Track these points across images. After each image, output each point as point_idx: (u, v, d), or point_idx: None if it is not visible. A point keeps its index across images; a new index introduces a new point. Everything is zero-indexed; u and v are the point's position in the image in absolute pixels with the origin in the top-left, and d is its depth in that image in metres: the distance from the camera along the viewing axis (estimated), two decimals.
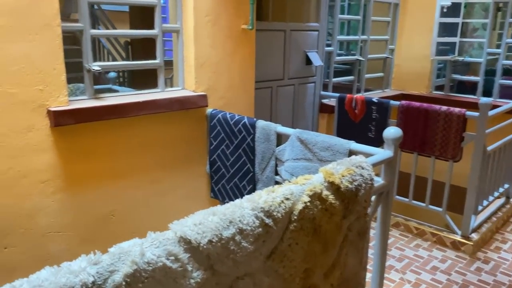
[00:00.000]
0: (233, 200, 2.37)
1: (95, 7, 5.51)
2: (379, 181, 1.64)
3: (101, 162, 2.05)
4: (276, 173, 2.16)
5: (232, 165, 2.33)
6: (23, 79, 1.73)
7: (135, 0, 2.19)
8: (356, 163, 1.43)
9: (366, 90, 3.97)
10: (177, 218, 2.49)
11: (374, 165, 1.52)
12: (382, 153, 1.67)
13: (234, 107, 2.55)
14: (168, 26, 2.31)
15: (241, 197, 2.30)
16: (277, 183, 2.17)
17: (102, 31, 5.43)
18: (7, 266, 1.81)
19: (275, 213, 1.13)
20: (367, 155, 1.61)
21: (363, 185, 1.41)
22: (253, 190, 2.26)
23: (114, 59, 5.49)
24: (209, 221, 1.00)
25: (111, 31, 5.46)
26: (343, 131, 3.17)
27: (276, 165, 2.15)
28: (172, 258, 0.90)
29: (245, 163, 2.27)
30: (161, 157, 2.29)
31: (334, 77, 3.59)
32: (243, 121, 2.23)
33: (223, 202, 2.47)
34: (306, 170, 1.95)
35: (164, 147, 2.30)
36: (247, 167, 2.26)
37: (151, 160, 2.25)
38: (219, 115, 2.34)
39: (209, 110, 2.42)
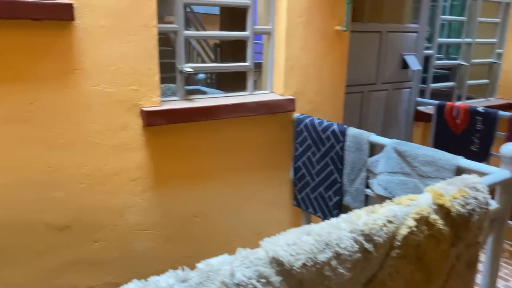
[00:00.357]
0: (316, 211, 2.26)
1: (187, 9, 5.70)
2: (492, 205, 1.42)
3: (188, 163, 2.05)
4: (367, 186, 2.00)
5: (318, 173, 2.21)
6: (120, 78, 1.77)
7: (229, 1, 2.17)
8: (470, 184, 1.24)
9: (468, 98, 3.60)
10: (260, 225, 2.41)
11: (489, 186, 1.32)
12: (499, 172, 1.45)
13: (322, 112, 2.43)
14: (260, 27, 2.25)
15: (327, 208, 2.19)
16: (367, 197, 2.01)
17: (195, 33, 5.57)
18: (96, 260, 1.87)
19: (375, 238, 0.99)
20: (479, 173, 1.41)
21: (477, 210, 1.22)
22: (339, 201, 2.12)
23: (203, 61, 5.64)
24: (303, 241, 0.90)
25: (204, 33, 5.58)
26: (441, 143, 2.89)
27: (367, 177, 1.99)
28: (263, 280, 0.82)
29: (332, 173, 2.14)
30: (246, 160, 2.25)
31: (432, 82, 3.30)
32: (332, 128, 2.11)
33: (306, 211, 2.36)
34: (403, 186, 1.77)
35: (249, 151, 2.25)
36: (334, 177, 2.12)
37: (236, 164, 2.21)
38: (307, 120, 2.24)
39: (296, 114, 2.33)
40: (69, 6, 1.59)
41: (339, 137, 2.06)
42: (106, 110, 1.77)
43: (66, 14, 1.59)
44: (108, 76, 1.75)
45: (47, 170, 1.69)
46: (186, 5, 2.05)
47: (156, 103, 1.88)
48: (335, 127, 2.09)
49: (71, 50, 1.66)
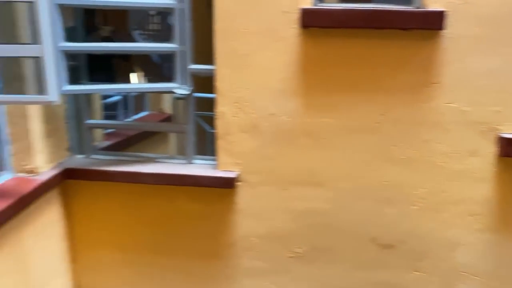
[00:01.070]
0: None
1: None
2: None
3: None
4: None
5: None
6: (482, 97, 1.52)
7: None
8: None
9: None
10: None
11: None
12: None
13: None
14: None
15: None
16: None
17: None
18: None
19: None
20: None
21: None
22: None
23: None
24: None
25: None
26: None
27: None
28: None
29: None
30: None
31: None
32: None
33: None
34: None
35: None
36: None
37: None
38: None
39: None
40: (441, 14, 1.45)
41: None
42: (456, 131, 1.56)
43: (436, 22, 1.46)
44: (467, 93, 1.52)
45: (383, 184, 1.64)
46: None
47: None
48: None
49: (432, 62, 1.52)
